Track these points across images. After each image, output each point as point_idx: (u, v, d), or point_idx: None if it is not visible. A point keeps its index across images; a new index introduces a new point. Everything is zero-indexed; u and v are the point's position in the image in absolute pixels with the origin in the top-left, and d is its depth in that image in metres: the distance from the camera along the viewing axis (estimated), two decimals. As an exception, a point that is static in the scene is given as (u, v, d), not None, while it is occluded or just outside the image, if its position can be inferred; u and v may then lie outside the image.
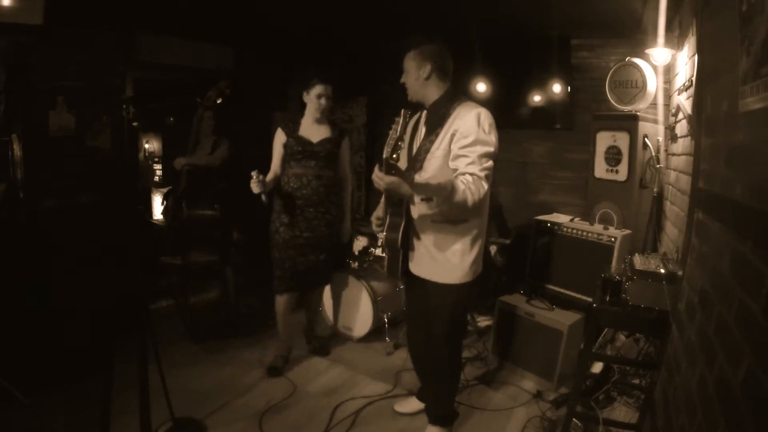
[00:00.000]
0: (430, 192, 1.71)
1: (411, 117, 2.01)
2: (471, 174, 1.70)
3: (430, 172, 1.85)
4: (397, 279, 2.06)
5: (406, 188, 1.62)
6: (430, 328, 2.01)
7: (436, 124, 1.88)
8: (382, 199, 2.08)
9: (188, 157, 3.00)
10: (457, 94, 1.93)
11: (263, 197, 2.41)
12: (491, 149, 1.76)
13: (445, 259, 1.90)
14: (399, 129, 1.60)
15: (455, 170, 1.75)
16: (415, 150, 1.95)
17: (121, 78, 3.36)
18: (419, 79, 1.91)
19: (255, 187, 2.36)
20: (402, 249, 1.97)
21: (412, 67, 1.92)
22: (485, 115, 1.79)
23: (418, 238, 1.95)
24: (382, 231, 1.99)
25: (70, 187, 3.12)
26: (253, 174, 2.34)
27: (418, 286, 2.02)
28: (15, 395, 2.26)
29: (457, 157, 1.76)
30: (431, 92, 1.92)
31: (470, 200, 1.66)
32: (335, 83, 2.63)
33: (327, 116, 2.69)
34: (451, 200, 1.64)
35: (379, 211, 2.07)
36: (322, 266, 2.75)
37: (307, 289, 2.85)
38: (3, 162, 2.78)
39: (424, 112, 2.00)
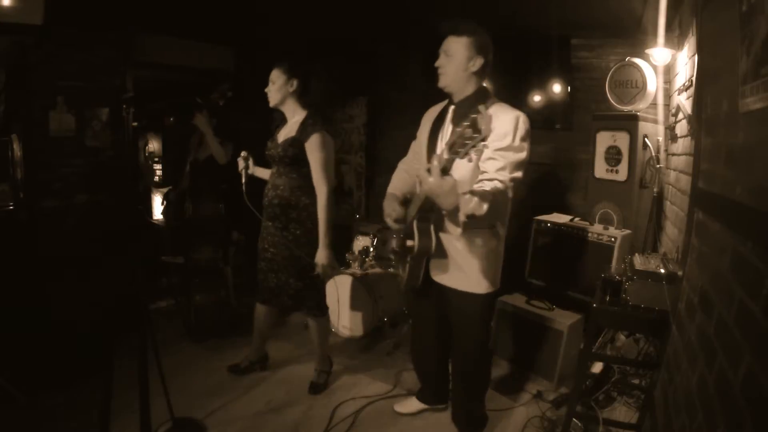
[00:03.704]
0: (473, 206, 1.48)
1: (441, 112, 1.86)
2: (500, 181, 1.57)
3: (459, 174, 1.64)
4: (416, 287, 1.91)
5: (454, 199, 1.42)
6: (459, 340, 1.95)
7: None
8: (393, 194, 1.93)
9: (208, 128, 2.85)
10: (488, 92, 1.81)
11: (243, 177, 2.45)
12: (523, 157, 1.62)
13: (471, 268, 1.81)
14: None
15: (483, 172, 1.62)
16: (440, 149, 1.77)
17: (121, 78, 3.36)
18: (466, 70, 1.74)
19: (240, 162, 2.46)
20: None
21: (461, 56, 1.73)
22: (524, 120, 1.64)
23: (444, 243, 1.82)
24: (399, 229, 1.84)
25: (70, 187, 3.12)
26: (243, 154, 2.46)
27: (435, 293, 1.92)
28: (15, 395, 2.26)
29: (488, 159, 1.61)
30: (468, 87, 1.77)
31: (499, 208, 1.55)
32: (288, 65, 2.29)
33: (294, 109, 2.31)
34: (489, 212, 1.49)
35: (396, 204, 1.88)
36: (293, 290, 2.36)
37: (283, 309, 2.54)
38: (3, 162, 2.78)
39: (451, 107, 1.85)
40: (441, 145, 1.79)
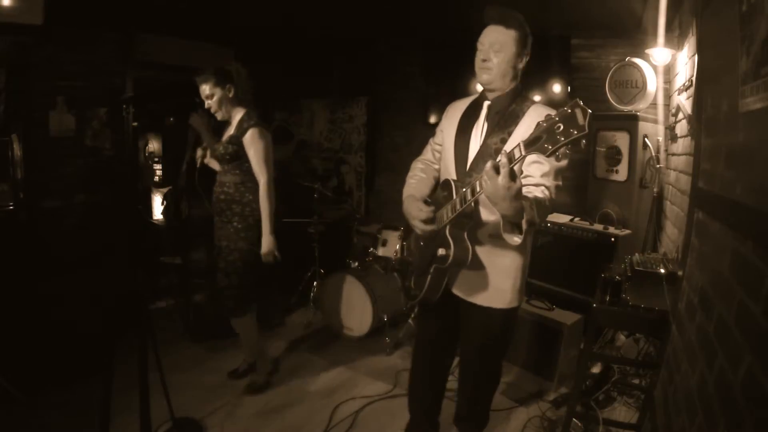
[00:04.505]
0: (534, 213, 1.37)
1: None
2: (546, 187, 1.48)
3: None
4: (434, 301, 1.73)
5: (518, 204, 1.28)
6: (480, 355, 1.83)
7: (508, 122, 1.59)
8: (413, 195, 1.76)
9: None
10: (524, 91, 1.68)
11: (197, 163, 2.51)
12: (566, 163, 1.51)
13: (499, 280, 1.68)
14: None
15: (526, 176, 1.50)
16: (474, 149, 1.65)
17: (121, 78, 3.36)
18: (515, 66, 1.60)
19: (198, 151, 2.51)
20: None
21: (511, 51, 1.58)
22: None
23: (477, 254, 1.65)
24: (424, 234, 1.67)
25: (70, 187, 3.12)
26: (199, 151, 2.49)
27: (450, 308, 1.79)
28: (15, 395, 2.26)
29: (533, 162, 1.49)
30: (508, 84, 1.64)
31: (546, 217, 1.45)
32: (215, 73, 2.29)
33: (235, 111, 2.36)
34: (539, 218, 1.38)
35: (421, 203, 1.68)
36: (225, 288, 2.37)
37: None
38: (3, 162, 2.78)
39: (485, 103, 1.68)
40: (475, 145, 1.65)
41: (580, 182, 3.44)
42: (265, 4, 3.15)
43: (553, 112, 1.21)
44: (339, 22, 3.64)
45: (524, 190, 1.43)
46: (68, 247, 3.03)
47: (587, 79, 3.46)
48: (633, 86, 2.89)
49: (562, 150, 1.16)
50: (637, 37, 3.03)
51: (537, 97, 3.55)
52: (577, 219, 2.95)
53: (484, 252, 1.66)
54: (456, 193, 1.55)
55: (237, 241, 2.33)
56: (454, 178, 1.67)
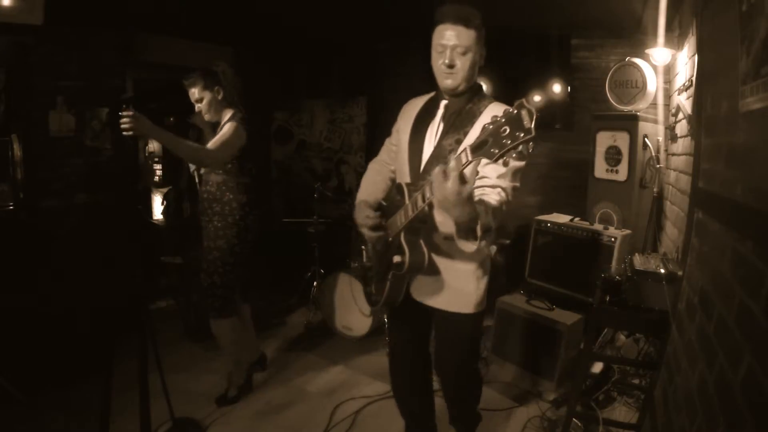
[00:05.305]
0: (490, 219, 1.31)
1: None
2: (503, 188, 1.42)
3: None
4: (396, 305, 1.69)
5: (471, 210, 1.22)
6: (450, 362, 1.80)
7: (464, 122, 1.53)
8: (365, 200, 1.70)
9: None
10: (482, 90, 1.62)
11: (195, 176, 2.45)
12: (523, 164, 1.44)
13: (460, 285, 1.64)
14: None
15: (481, 177, 1.44)
16: (428, 151, 1.59)
17: (121, 78, 3.37)
18: (477, 67, 1.55)
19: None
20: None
21: (475, 52, 1.50)
22: None
23: (433, 260, 1.60)
24: (376, 239, 1.63)
25: (70, 187, 3.13)
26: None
27: (417, 314, 1.73)
28: (15, 395, 2.26)
29: (488, 163, 1.37)
30: (469, 83, 1.58)
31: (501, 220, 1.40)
32: (203, 77, 2.29)
33: (224, 112, 2.35)
34: (495, 223, 1.32)
35: (370, 211, 1.62)
36: (209, 287, 2.33)
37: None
38: (3, 162, 2.78)
39: (442, 102, 1.62)
40: (429, 146, 1.59)
41: (580, 182, 3.45)
42: (265, 4, 3.14)
43: (501, 113, 1.13)
44: (339, 22, 3.64)
45: (479, 191, 1.38)
46: (68, 247, 3.03)
47: (587, 79, 3.46)
48: (633, 86, 2.89)
49: (509, 154, 1.08)
50: (637, 37, 3.03)
51: (537, 97, 3.57)
52: (577, 219, 2.95)
53: (442, 256, 1.61)
54: (408, 198, 1.48)
55: (216, 240, 2.30)
56: (408, 180, 1.60)
